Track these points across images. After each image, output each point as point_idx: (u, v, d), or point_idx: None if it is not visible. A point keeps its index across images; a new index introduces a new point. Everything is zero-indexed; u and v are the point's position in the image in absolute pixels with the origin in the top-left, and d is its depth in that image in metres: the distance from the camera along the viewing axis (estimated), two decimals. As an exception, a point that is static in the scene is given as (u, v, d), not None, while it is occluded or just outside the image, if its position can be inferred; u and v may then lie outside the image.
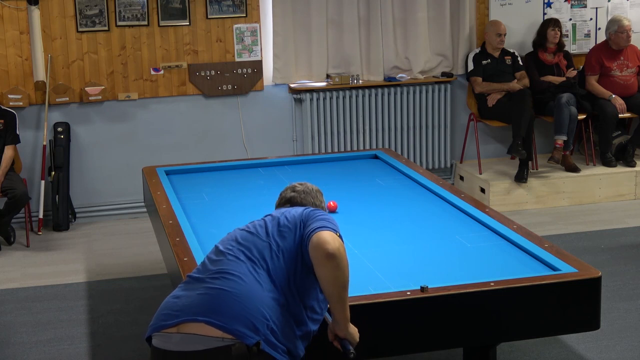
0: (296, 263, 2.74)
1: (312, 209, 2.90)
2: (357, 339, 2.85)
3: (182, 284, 2.80)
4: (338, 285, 2.69)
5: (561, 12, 7.62)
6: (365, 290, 3.29)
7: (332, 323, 2.85)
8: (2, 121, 6.36)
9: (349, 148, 7.23)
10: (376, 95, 7.29)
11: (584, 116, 7.29)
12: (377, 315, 3.18)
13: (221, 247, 2.84)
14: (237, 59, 7.02)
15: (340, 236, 2.73)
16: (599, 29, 7.70)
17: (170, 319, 2.66)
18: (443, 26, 7.40)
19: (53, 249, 6.31)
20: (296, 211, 2.90)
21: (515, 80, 7.29)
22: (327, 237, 2.69)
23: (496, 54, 7.31)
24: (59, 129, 6.74)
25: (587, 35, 7.74)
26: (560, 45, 7.38)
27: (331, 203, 4.38)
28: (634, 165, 7.28)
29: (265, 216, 2.98)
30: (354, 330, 2.84)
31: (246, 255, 2.75)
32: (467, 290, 3.28)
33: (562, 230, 6.41)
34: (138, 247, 6.23)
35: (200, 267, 2.83)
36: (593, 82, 7.35)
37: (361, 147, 7.26)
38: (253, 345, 2.55)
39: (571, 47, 7.66)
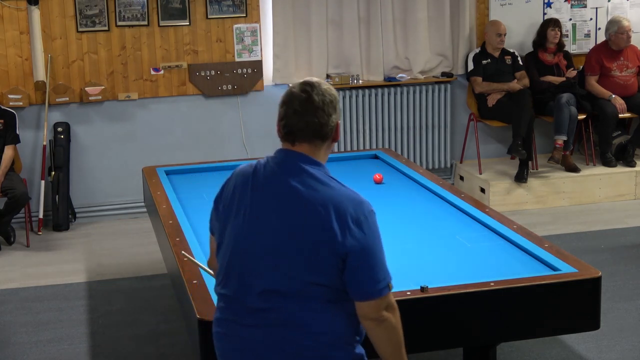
0: None
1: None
2: None
3: None
4: (388, 345, 2.52)
5: (561, 12, 7.62)
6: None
7: None
8: (2, 121, 6.36)
9: (349, 148, 7.23)
10: (376, 95, 7.29)
11: (584, 116, 7.29)
12: (377, 315, 3.17)
13: None
14: (237, 59, 7.02)
15: (391, 286, 2.49)
16: (599, 29, 7.70)
17: None
18: (443, 26, 7.40)
19: (53, 249, 6.31)
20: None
21: (515, 80, 7.29)
22: (388, 303, 2.48)
23: (496, 54, 7.31)
24: (59, 129, 6.74)
25: (587, 35, 7.74)
26: (560, 45, 7.38)
27: (377, 176, 4.76)
28: (634, 165, 7.28)
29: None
30: None
31: None
32: (467, 290, 3.28)
33: (562, 230, 6.41)
34: (138, 247, 6.23)
35: None
36: (593, 83, 7.35)
37: (361, 147, 7.26)
38: None
39: (571, 47, 7.66)
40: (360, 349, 2.57)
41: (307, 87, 2.53)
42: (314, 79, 2.57)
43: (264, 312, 2.48)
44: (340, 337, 2.50)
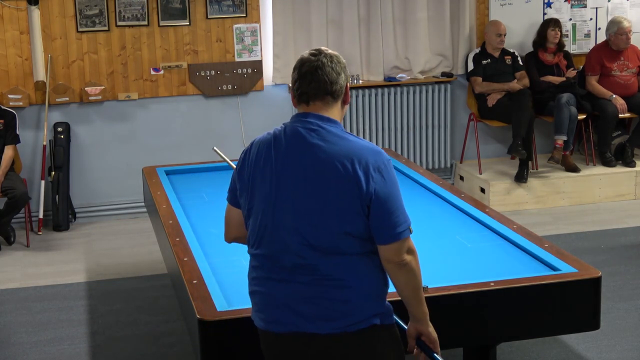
0: None
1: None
2: (437, 337, 2.79)
3: None
4: (410, 288, 2.67)
5: (561, 12, 7.61)
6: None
7: (412, 325, 2.75)
8: (2, 121, 6.36)
9: (349, 148, 7.22)
10: (376, 95, 7.29)
11: (584, 116, 7.29)
12: (377, 315, 3.17)
13: None
14: (237, 59, 7.02)
15: (411, 230, 2.68)
16: (599, 29, 7.70)
17: None
18: (443, 26, 7.40)
19: (53, 249, 6.30)
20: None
21: (515, 80, 7.29)
22: (408, 246, 2.63)
23: (496, 54, 7.31)
24: (59, 129, 6.74)
25: (587, 35, 7.74)
26: (560, 45, 7.38)
27: None
28: (633, 166, 7.28)
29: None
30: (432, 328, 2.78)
31: None
32: (467, 290, 3.28)
33: (562, 230, 6.41)
34: (138, 247, 6.23)
35: None
36: (593, 83, 7.35)
37: (361, 147, 7.25)
38: None
39: (571, 47, 7.66)
40: (388, 303, 2.71)
41: (315, 51, 2.74)
42: (322, 47, 2.78)
43: (300, 268, 2.60)
44: (371, 289, 2.64)
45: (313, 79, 2.68)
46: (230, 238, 2.89)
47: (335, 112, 2.72)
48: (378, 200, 2.56)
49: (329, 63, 2.69)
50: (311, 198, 2.59)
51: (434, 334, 2.76)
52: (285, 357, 2.69)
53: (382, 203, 2.57)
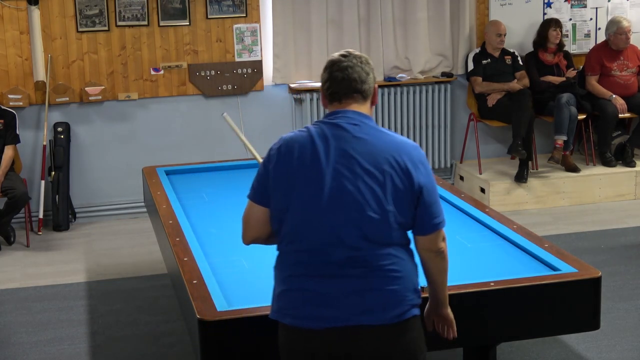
0: None
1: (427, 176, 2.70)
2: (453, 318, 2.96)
3: None
4: (443, 273, 2.82)
5: (561, 12, 7.62)
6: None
7: (432, 308, 2.92)
8: (2, 121, 6.36)
9: (349, 148, 7.22)
10: (376, 95, 7.28)
11: (584, 116, 7.29)
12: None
13: None
14: (237, 59, 7.02)
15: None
16: (599, 29, 7.70)
17: None
18: (443, 26, 7.40)
19: (53, 249, 6.31)
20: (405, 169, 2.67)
21: (515, 80, 7.29)
22: (443, 235, 2.77)
23: (496, 54, 7.31)
24: (59, 129, 6.74)
25: (587, 35, 7.75)
26: (560, 45, 7.38)
27: None
28: (633, 166, 7.28)
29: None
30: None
31: None
32: (467, 290, 3.28)
33: (562, 230, 6.41)
34: (138, 247, 6.23)
35: None
36: (593, 83, 7.35)
37: (361, 147, 7.25)
38: None
39: (571, 47, 7.67)
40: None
41: (345, 52, 2.82)
42: (350, 49, 2.86)
43: (352, 261, 2.64)
44: (413, 279, 2.74)
45: (344, 78, 2.76)
46: (250, 238, 2.83)
47: (365, 110, 2.79)
48: (426, 191, 2.68)
49: (358, 63, 2.77)
50: (368, 191, 2.63)
51: (452, 315, 2.94)
52: (326, 354, 2.67)
53: (427, 195, 2.68)
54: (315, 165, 2.67)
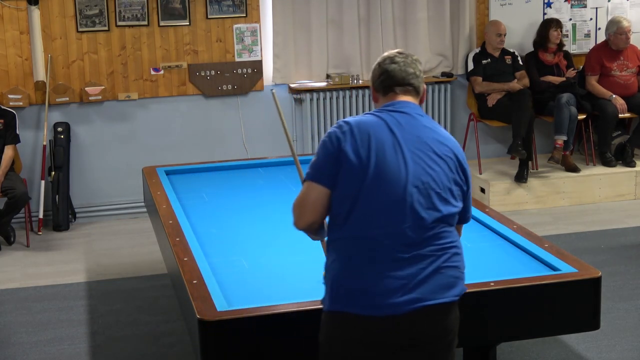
0: None
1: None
2: None
3: None
4: None
5: (561, 12, 7.62)
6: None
7: None
8: (2, 121, 6.36)
9: (349, 148, 7.21)
10: (376, 95, 7.28)
11: (584, 116, 7.29)
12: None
13: None
14: (237, 59, 7.02)
15: None
16: (599, 29, 7.70)
17: None
18: (443, 26, 7.40)
19: (53, 249, 6.31)
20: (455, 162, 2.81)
21: (515, 80, 7.29)
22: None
23: (496, 54, 7.31)
24: (59, 129, 6.74)
25: (587, 35, 7.75)
26: (560, 45, 7.38)
27: None
28: (633, 166, 7.28)
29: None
30: None
31: None
32: (467, 290, 3.27)
33: (562, 230, 6.41)
34: (138, 247, 6.23)
35: None
36: (593, 83, 7.35)
37: (361, 147, 7.24)
38: None
39: (571, 47, 7.67)
40: None
41: (399, 50, 2.92)
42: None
43: (430, 241, 2.70)
44: (462, 255, 2.84)
45: (401, 70, 2.83)
46: (306, 223, 2.75)
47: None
48: (469, 185, 2.85)
49: (413, 61, 2.87)
50: (442, 176, 2.73)
51: None
52: (405, 338, 2.69)
53: (469, 188, 2.86)
54: (396, 149, 2.70)
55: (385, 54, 2.90)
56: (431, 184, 2.70)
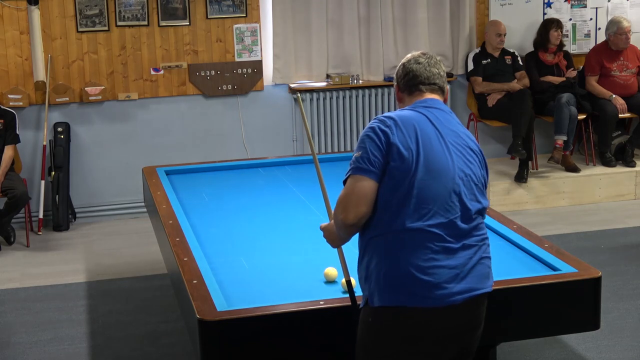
0: None
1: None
2: None
3: None
4: None
5: (561, 12, 7.61)
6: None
7: None
8: (2, 121, 6.36)
9: (349, 148, 7.23)
10: (376, 95, 7.29)
11: (584, 116, 7.29)
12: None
13: None
14: (237, 59, 7.02)
15: None
16: (599, 29, 7.70)
17: None
18: (443, 26, 7.40)
19: (53, 249, 6.30)
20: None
21: (515, 80, 7.29)
22: None
23: (496, 54, 7.31)
24: (59, 129, 6.74)
25: (587, 35, 7.74)
26: (560, 45, 7.38)
27: None
28: (633, 166, 7.28)
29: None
30: None
31: None
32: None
33: (562, 230, 6.41)
34: (138, 247, 6.23)
35: None
36: (593, 83, 7.35)
37: (361, 147, 7.24)
38: None
39: (571, 47, 7.66)
40: None
41: (423, 52, 2.96)
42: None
43: (474, 231, 2.79)
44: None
45: (426, 69, 2.88)
46: (357, 215, 2.71)
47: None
48: (487, 183, 2.91)
49: (436, 62, 2.92)
50: (477, 169, 2.82)
51: None
52: (459, 327, 2.76)
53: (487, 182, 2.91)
54: (440, 141, 2.76)
55: (409, 55, 2.95)
56: (472, 177, 2.79)
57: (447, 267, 2.70)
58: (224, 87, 7.04)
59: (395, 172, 2.69)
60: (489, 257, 2.85)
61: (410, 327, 2.71)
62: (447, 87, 2.95)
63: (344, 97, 7.21)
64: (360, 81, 7.26)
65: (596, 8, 7.71)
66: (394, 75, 2.97)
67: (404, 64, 2.92)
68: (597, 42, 7.62)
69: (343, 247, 2.98)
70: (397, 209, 2.69)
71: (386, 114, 2.80)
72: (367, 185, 2.70)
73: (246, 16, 6.98)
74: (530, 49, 7.46)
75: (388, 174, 2.69)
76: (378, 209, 2.72)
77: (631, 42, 7.38)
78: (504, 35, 7.28)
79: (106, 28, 6.74)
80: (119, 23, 6.76)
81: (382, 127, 2.73)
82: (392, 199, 2.69)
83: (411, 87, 2.88)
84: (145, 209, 5.70)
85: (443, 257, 2.70)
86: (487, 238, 2.85)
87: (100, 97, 6.79)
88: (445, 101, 2.92)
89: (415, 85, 2.88)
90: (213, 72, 6.99)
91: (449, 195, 2.72)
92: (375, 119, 2.79)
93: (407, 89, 2.89)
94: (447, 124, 2.82)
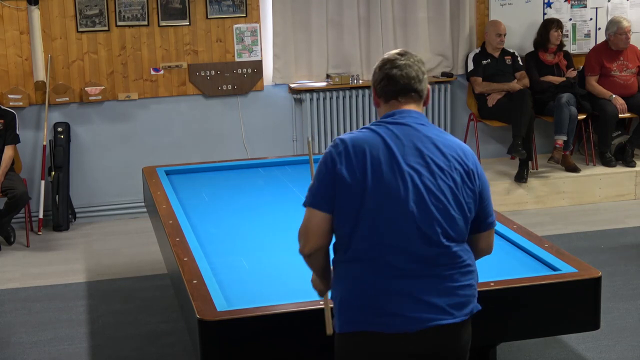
0: None
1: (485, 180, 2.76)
2: None
3: None
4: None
5: (561, 12, 7.61)
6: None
7: None
8: (2, 121, 6.36)
9: (349, 148, 7.21)
10: (376, 95, 7.28)
11: (584, 116, 7.29)
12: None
13: None
14: (237, 59, 7.02)
15: None
16: (599, 29, 7.70)
17: None
18: (443, 26, 7.40)
19: (53, 249, 6.30)
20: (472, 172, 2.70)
21: (515, 80, 7.29)
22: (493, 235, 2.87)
23: (496, 54, 7.31)
24: (59, 129, 6.74)
25: (587, 35, 7.74)
26: (560, 45, 7.38)
27: None
28: (633, 165, 7.28)
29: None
30: None
31: None
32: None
33: (562, 230, 6.41)
34: (138, 247, 6.23)
35: None
36: (593, 83, 7.35)
37: (361, 147, 7.24)
38: None
39: (571, 47, 7.66)
40: None
41: (401, 51, 2.77)
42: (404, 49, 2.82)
43: (439, 259, 2.63)
44: (476, 271, 2.76)
45: (402, 76, 2.71)
46: (312, 249, 2.68)
47: (421, 111, 2.77)
48: (484, 189, 2.73)
49: (416, 62, 2.74)
50: (447, 189, 2.63)
51: None
52: (416, 357, 2.64)
53: (486, 192, 2.74)
54: (394, 165, 2.61)
55: (386, 55, 2.77)
56: (433, 200, 2.60)
57: (401, 294, 2.60)
58: (224, 87, 7.04)
59: (344, 201, 2.61)
60: (467, 285, 2.68)
61: (367, 354, 2.65)
62: (428, 87, 2.75)
63: (344, 97, 7.21)
64: (360, 81, 7.26)
65: (596, 8, 7.71)
66: (372, 77, 2.81)
67: (380, 67, 2.74)
68: (597, 42, 7.62)
69: None
70: (349, 238, 2.63)
71: (342, 136, 2.68)
72: (320, 218, 2.65)
73: (246, 16, 6.98)
74: (530, 49, 7.46)
75: (338, 203, 2.63)
76: (336, 236, 2.69)
77: (631, 42, 7.38)
78: (504, 35, 7.28)
79: (106, 28, 6.74)
80: (119, 23, 6.76)
81: (333, 153, 2.63)
82: (344, 227, 2.63)
83: (387, 95, 2.73)
84: (145, 209, 5.70)
85: (397, 285, 2.59)
86: (464, 265, 2.67)
87: (100, 97, 6.79)
88: (425, 103, 2.78)
89: (392, 93, 2.72)
90: (213, 72, 6.99)
91: (400, 222, 2.58)
92: (333, 140, 2.71)
93: (383, 95, 2.74)
94: (409, 142, 2.64)
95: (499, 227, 4.03)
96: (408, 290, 2.60)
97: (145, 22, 6.80)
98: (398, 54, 2.75)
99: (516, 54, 7.39)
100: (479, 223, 2.74)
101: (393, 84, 2.71)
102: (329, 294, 2.84)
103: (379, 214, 2.59)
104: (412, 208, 2.59)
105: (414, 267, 2.61)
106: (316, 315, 3.04)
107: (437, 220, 2.61)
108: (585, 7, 7.69)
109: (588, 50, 7.57)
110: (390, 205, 2.59)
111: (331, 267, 2.76)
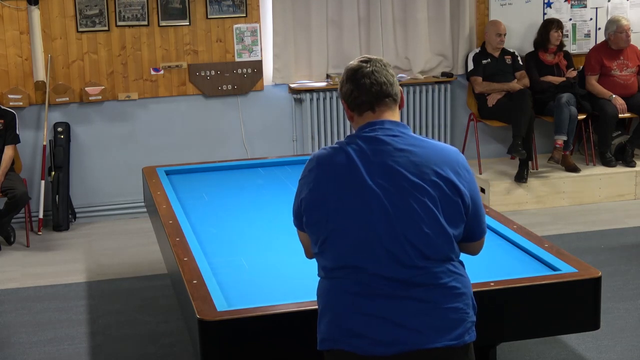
0: None
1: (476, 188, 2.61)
2: None
3: None
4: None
5: (561, 12, 7.62)
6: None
7: None
8: (2, 121, 6.36)
9: (349, 148, 7.22)
10: (376, 95, 7.28)
11: (584, 116, 7.29)
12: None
13: None
14: (237, 59, 7.02)
15: None
16: (599, 29, 7.70)
17: None
18: (443, 26, 7.40)
19: (53, 249, 6.31)
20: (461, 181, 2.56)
21: (515, 80, 7.29)
22: (483, 241, 2.75)
23: (496, 54, 7.31)
24: (59, 129, 6.74)
25: (587, 35, 7.75)
26: (560, 45, 7.38)
27: None
28: (633, 166, 7.28)
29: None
30: None
31: None
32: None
33: (562, 230, 6.41)
34: (138, 247, 6.23)
35: None
36: (593, 82, 7.35)
37: (361, 147, 7.24)
38: None
39: (571, 47, 7.67)
40: None
41: (364, 58, 2.65)
42: (367, 55, 2.69)
43: (415, 280, 2.51)
44: (471, 295, 2.64)
45: (373, 84, 2.59)
46: (313, 257, 2.72)
47: (397, 117, 2.66)
48: (474, 197, 2.59)
49: (382, 67, 2.62)
50: (420, 206, 2.49)
51: None
52: None
53: (475, 200, 2.59)
54: (358, 185, 2.51)
55: (351, 64, 2.65)
56: (401, 219, 2.48)
57: (376, 316, 2.50)
58: (224, 87, 7.04)
59: (309, 223, 2.59)
60: (455, 309, 2.54)
61: None
62: (400, 90, 2.65)
63: (344, 97, 7.19)
64: (360, 81, 7.24)
65: (596, 8, 7.71)
66: (339, 90, 2.67)
67: (348, 79, 2.62)
68: (597, 42, 7.62)
69: None
70: (321, 257, 2.60)
71: (315, 153, 2.63)
72: (305, 236, 2.69)
73: (246, 16, 6.98)
74: (530, 49, 7.46)
75: (304, 224, 2.62)
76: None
77: (631, 42, 7.38)
78: (504, 35, 7.28)
79: (106, 28, 6.74)
80: (119, 23, 6.76)
81: (305, 172, 2.62)
82: (314, 247, 2.62)
83: (361, 106, 2.61)
84: (145, 209, 5.70)
85: (372, 306, 2.50)
86: (452, 288, 2.55)
87: (100, 97, 6.79)
88: (401, 106, 2.67)
89: (365, 104, 2.60)
90: (213, 72, 6.99)
91: (370, 244, 2.49)
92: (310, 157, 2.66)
93: (357, 107, 2.62)
94: (378, 159, 2.53)
95: (499, 227, 4.04)
96: (377, 311, 2.50)
97: (145, 22, 6.80)
98: (362, 61, 2.63)
99: (516, 53, 7.39)
100: (473, 231, 2.64)
101: (365, 93, 2.60)
102: None
103: (344, 236, 2.52)
104: (377, 229, 2.49)
105: (385, 288, 2.50)
106: (316, 315, 3.03)
107: (408, 240, 2.49)
108: (585, 7, 7.69)
109: (588, 50, 7.57)
110: (354, 227, 2.51)
111: None
